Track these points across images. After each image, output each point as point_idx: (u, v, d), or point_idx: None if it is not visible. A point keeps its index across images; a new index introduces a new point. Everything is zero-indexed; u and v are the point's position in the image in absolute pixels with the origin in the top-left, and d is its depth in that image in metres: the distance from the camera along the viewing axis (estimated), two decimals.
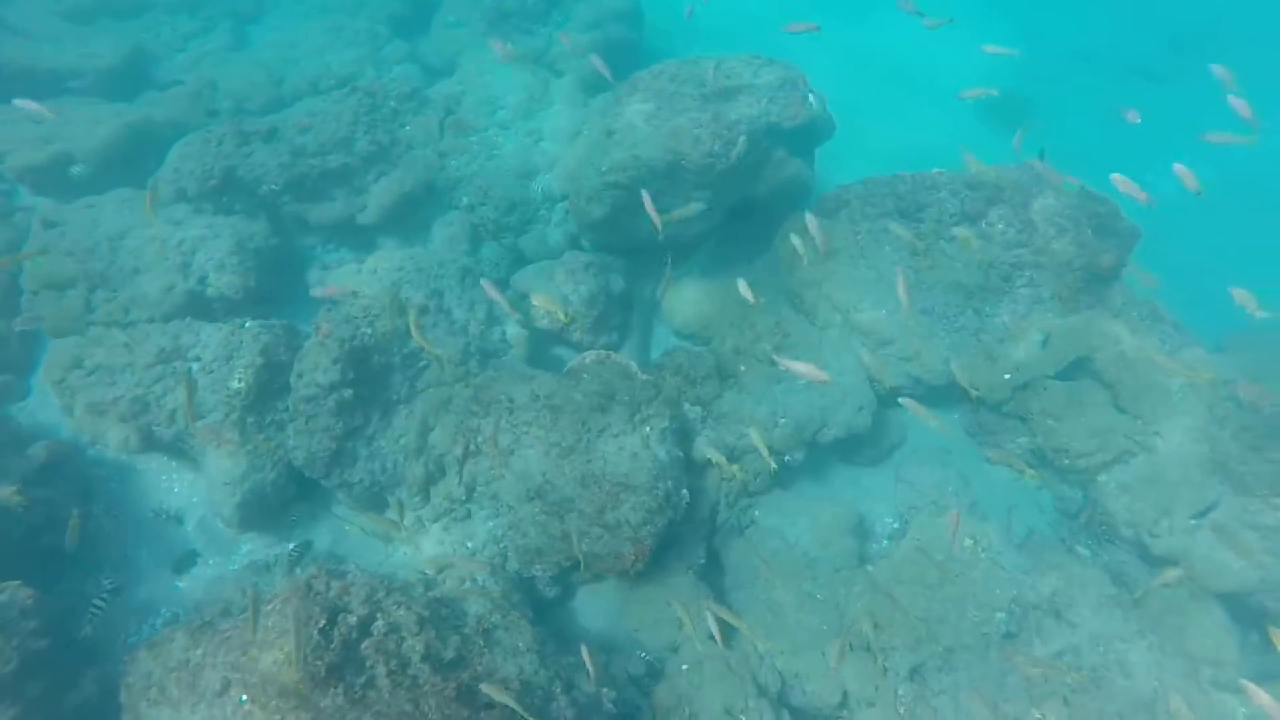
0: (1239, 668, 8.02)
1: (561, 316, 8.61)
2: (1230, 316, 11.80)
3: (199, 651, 5.59)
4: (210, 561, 7.55)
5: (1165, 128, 15.86)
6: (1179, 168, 7.43)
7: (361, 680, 5.27)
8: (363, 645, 5.56)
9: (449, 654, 5.82)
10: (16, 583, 5.93)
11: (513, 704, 5.10)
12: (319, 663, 5.14)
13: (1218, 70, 8.22)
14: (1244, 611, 8.47)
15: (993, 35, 18.15)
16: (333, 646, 5.31)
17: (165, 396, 7.77)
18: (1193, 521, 8.68)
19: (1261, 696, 5.77)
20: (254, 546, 7.97)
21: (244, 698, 5.17)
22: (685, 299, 9.86)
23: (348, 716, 5.02)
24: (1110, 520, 9.08)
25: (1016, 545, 8.74)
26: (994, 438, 9.59)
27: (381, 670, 5.36)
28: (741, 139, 9.22)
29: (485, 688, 5.23)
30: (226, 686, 5.27)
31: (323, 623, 5.43)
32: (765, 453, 6.95)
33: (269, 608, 5.60)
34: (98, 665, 6.42)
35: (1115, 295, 9.67)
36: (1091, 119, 15.35)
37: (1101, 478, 9.21)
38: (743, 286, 8.38)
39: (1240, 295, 7.65)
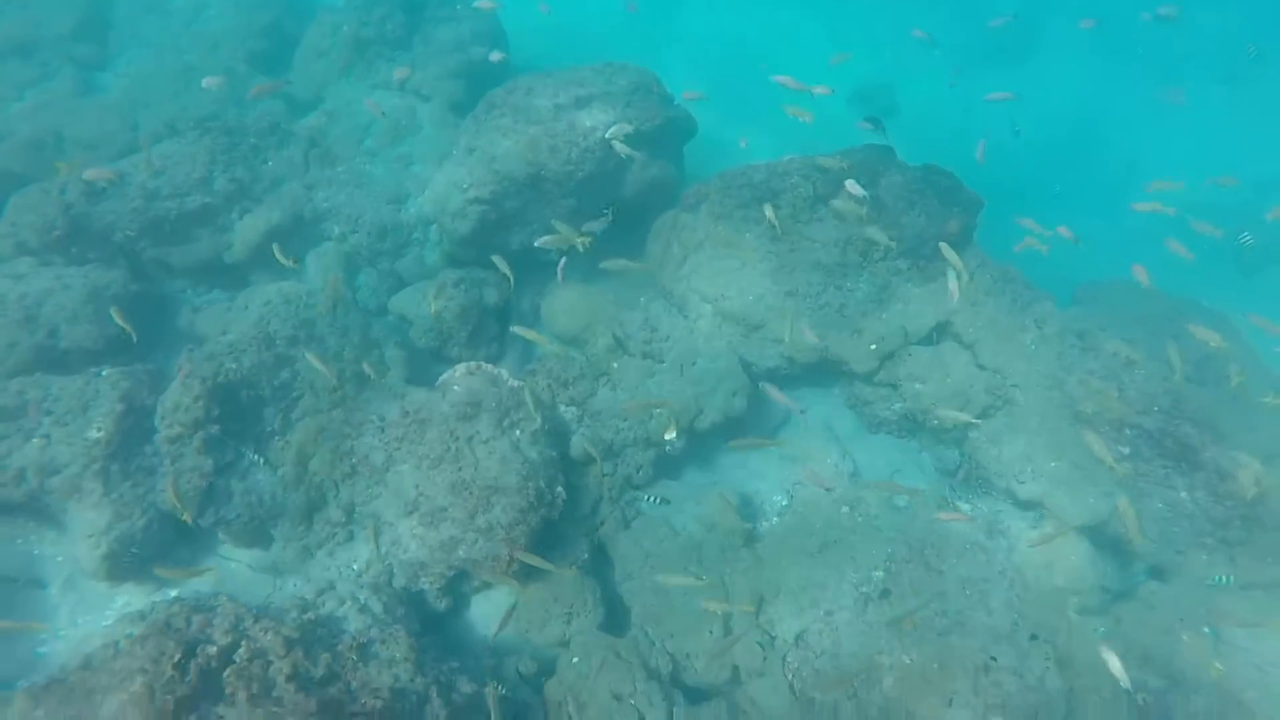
0: (1100, 593, 8.60)
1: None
2: (1083, 271, 12.66)
3: (39, 712, 5.42)
4: (80, 621, 7.31)
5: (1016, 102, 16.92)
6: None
7: (219, 708, 5.22)
8: (224, 674, 5.51)
9: (319, 672, 5.80)
10: None
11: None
12: (169, 697, 5.08)
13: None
14: (1104, 541, 9.05)
15: (853, 25, 19.07)
16: (187, 679, 5.25)
17: (10, 456, 7.51)
18: (1052, 464, 9.25)
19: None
20: (130, 598, 7.75)
21: None
22: (562, 305, 10.02)
23: None
24: (984, 473, 9.57)
25: (898, 508, 9.14)
26: (869, 406, 10.02)
27: (242, 695, 5.32)
28: (619, 147, 9.39)
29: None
30: None
31: (178, 657, 5.36)
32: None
33: (123, 649, 5.50)
34: None
35: (968, 259, 10.24)
36: (945, 100, 16.29)
37: (972, 434, 9.71)
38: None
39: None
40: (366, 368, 8.00)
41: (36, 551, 7.67)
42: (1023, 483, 9.21)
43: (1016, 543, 8.84)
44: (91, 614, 7.47)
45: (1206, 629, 8.41)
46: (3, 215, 8.88)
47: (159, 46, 12.32)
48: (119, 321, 8.04)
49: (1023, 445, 9.34)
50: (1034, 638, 7.57)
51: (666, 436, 8.18)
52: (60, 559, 7.67)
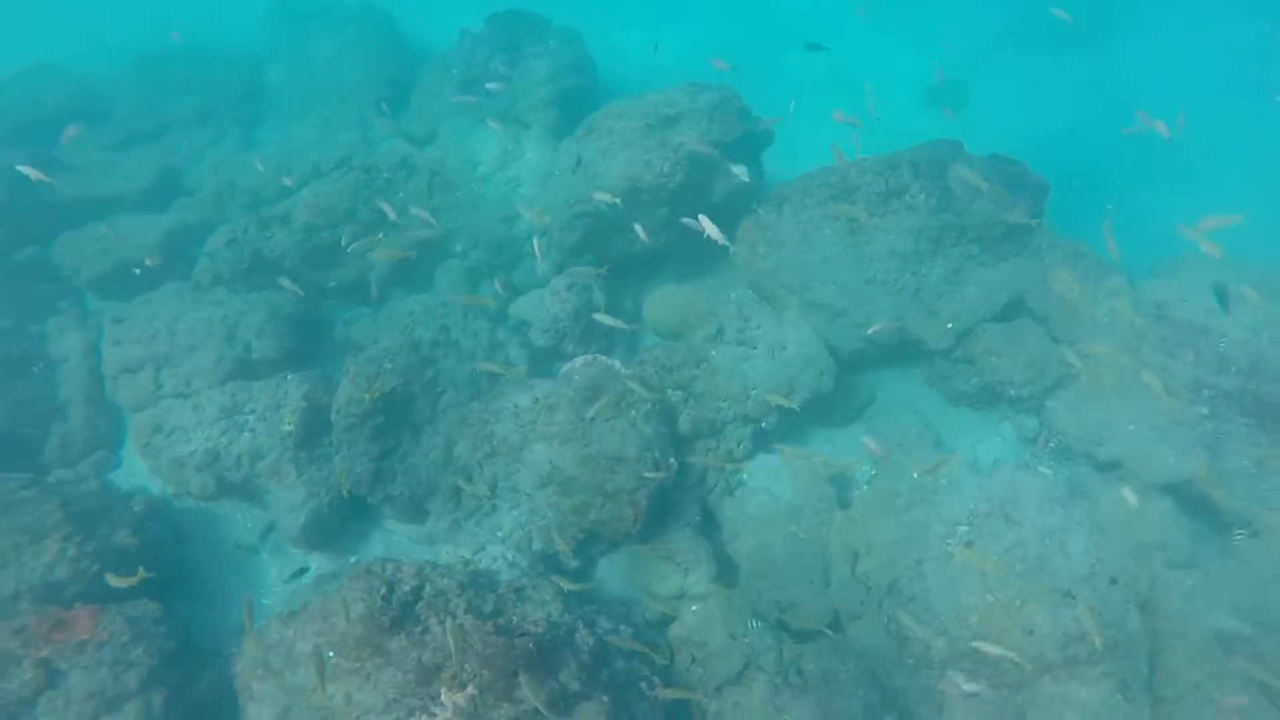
0: (1187, 548, 9.06)
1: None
2: (1164, 245, 12.92)
3: (290, 631, 6.97)
4: (284, 579, 8.97)
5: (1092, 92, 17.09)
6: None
7: (419, 629, 6.61)
8: (416, 606, 6.90)
9: (488, 607, 7.13)
10: (145, 599, 7.40)
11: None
12: (384, 618, 6.49)
13: None
14: (1189, 500, 9.49)
15: (925, 23, 19.57)
16: (392, 607, 6.66)
17: (231, 446, 9.26)
18: (1130, 427, 9.76)
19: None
20: (319, 563, 9.37)
21: (330, 654, 6.52)
22: (661, 304, 11.19)
23: (410, 654, 6.35)
24: (1063, 439, 10.18)
25: (981, 473, 9.84)
26: (949, 381, 10.75)
27: (434, 620, 6.69)
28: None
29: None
30: (316, 649, 6.62)
31: (384, 590, 6.79)
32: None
33: (340, 587, 6.98)
34: (210, 666, 7.81)
35: (1038, 240, 10.87)
36: (1017, 93, 16.74)
37: (1049, 402, 10.34)
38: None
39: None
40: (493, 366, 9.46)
41: (249, 525, 9.39)
42: (1100, 445, 9.77)
43: (1098, 503, 9.39)
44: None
45: None
46: (203, 254, 10.78)
47: (301, 103, 14.25)
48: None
49: (1099, 411, 9.90)
50: (1114, 581, 8.19)
51: None
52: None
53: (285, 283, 10.08)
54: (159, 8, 15.43)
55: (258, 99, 14.62)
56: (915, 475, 9.05)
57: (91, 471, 9.52)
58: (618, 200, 9.97)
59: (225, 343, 9.97)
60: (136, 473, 9.68)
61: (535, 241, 10.69)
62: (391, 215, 10.61)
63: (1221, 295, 9.43)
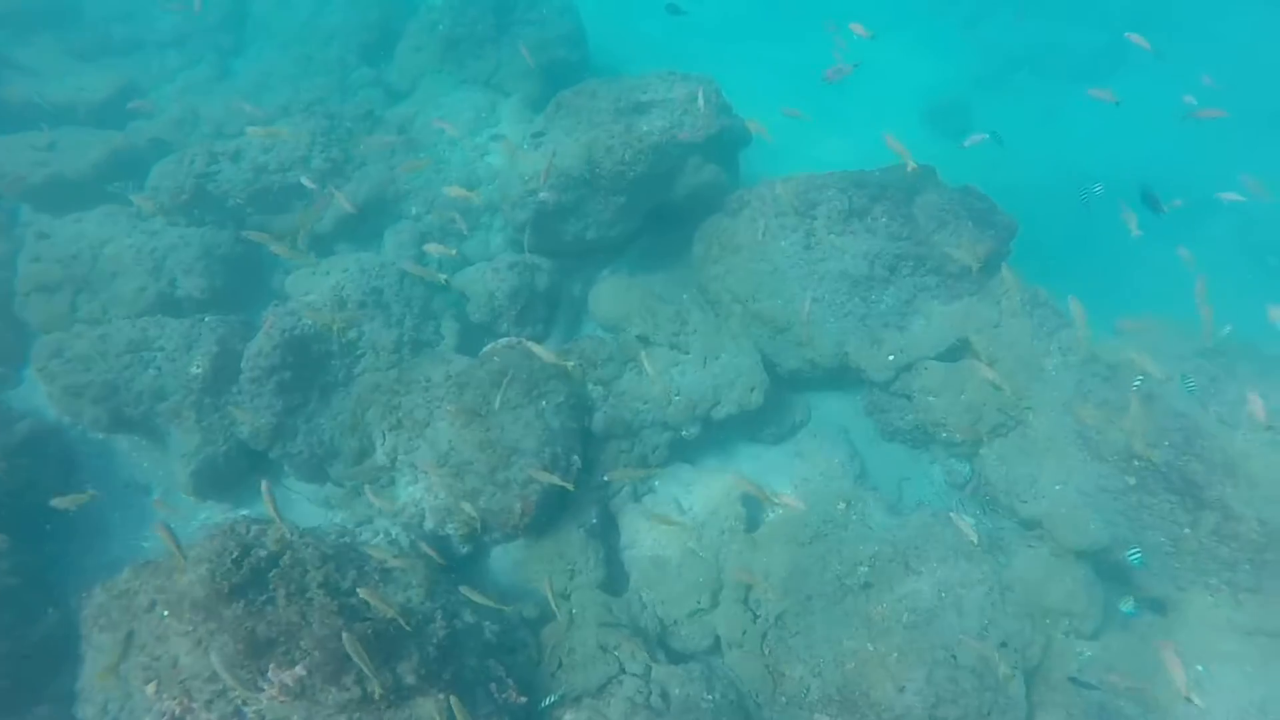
0: (1094, 619, 8.80)
1: None
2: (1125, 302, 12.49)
3: (136, 582, 6.76)
4: (171, 525, 8.75)
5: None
6: None
7: (262, 598, 6.39)
8: (270, 574, 6.67)
9: (345, 584, 6.88)
10: None
11: (381, 605, 6.23)
12: (225, 582, 6.27)
13: None
14: (1105, 569, 9.21)
15: (940, 43, 19.01)
16: (241, 571, 6.44)
17: (133, 381, 9.03)
18: (1057, 487, 9.46)
19: None
20: (210, 513, 9.17)
21: (165, 612, 6.32)
22: (604, 294, 10.89)
23: (244, 624, 6.14)
24: (991, 490, 9.88)
25: (900, 513, 9.54)
26: (885, 415, 10.45)
27: (281, 592, 6.46)
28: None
29: (363, 592, 6.34)
30: (152, 604, 6.43)
31: (236, 554, 6.56)
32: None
33: (197, 544, 6.76)
34: (61, 604, 7.62)
35: (996, 282, 10.49)
36: (1025, 119, 16.22)
37: (983, 450, 10.02)
38: None
39: None
40: None
41: (145, 464, 9.19)
42: (1025, 502, 9.48)
43: (1013, 559, 9.13)
44: (180, 522, 8.90)
45: (1200, 667, 8.51)
46: (149, 180, 10.51)
47: (283, 38, 13.88)
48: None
49: (1030, 466, 9.59)
50: (1003, 645, 7.95)
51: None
52: (161, 473, 9.17)
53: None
54: None
55: (239, 28, 14.23)
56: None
57: None
58: (550, 196, 9.62)
59: (150, 275, 9.71)
60: (38, 394, 9.45)
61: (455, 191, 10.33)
62: (310, 186, 10.23)
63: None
